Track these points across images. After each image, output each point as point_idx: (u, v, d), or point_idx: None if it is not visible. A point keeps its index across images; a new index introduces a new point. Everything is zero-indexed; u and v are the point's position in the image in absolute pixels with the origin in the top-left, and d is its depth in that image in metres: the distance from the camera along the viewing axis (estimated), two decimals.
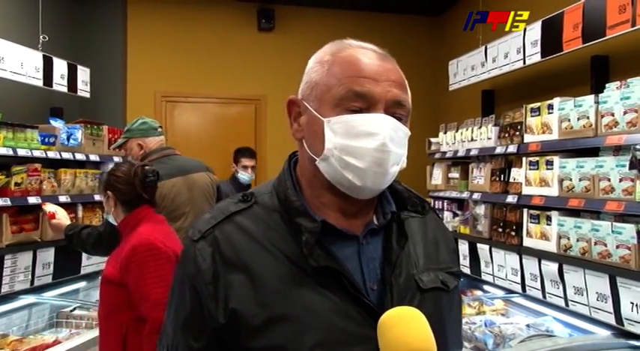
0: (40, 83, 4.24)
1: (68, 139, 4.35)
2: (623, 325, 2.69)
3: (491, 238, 3.84)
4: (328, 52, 1.10)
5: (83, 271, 4.37)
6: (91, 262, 4.42)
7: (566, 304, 3.07)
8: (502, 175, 3.76)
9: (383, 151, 1.01)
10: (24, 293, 3.78)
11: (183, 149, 3.73)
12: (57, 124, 4.46)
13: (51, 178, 4.03)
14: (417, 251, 1.13)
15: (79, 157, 4.33)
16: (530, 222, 3.38)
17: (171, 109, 6.01)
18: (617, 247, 2.69)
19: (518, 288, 3.55)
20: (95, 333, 3.30)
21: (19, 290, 3.71)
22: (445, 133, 4.68)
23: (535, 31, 3.73)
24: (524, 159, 3.47)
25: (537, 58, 3.75)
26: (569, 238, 3.02)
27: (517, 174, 3.59)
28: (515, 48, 4.00)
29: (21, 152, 3.68)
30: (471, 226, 4.12)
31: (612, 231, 2.73)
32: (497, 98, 5.11)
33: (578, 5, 3.28)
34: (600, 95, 2.90)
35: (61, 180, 4.11)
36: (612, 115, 2.77)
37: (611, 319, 2.76)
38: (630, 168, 2.61)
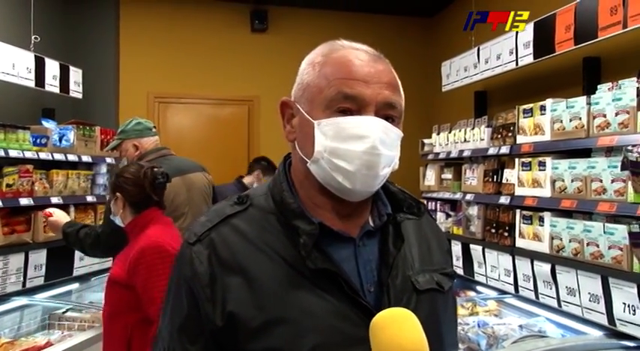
0: (32, 84, 4.22)
1: (60, 140, 4.34)
2: (615, 326, 2.70)
3: (484, 238, 3.85)
4: (320, 53, 1.10)
5: (76, 273, 4.35)
6: (83, 264, 4.40)
7: (559, 305, 3.08)
8: (495, 176, 3.77)
9: (373, 153, 1.01)
10: (16, 295, 3.76)
11: (176, 150, 3.72)
12: (49, 125, 4.44)
13: (43, 179, 4.01)
14: (413, 253, 1.13)
15: (71, 158, 4.31)
16: (523, 223, 3.39)
17: (164, 109, 5.99)
18: (610, 247, 2.70)
19: (511, 289, 3.56)
20: (88, 335, 3.31)
21: (10, 292, 3.69)
22: (438, 134, 4.69)
23: (527, 32, 3.74)
24: (516, 160, 3.49)
25: (530, 59, 3.77)
26: (561, 239, 3.03)
27: (510, 175, 3.60)
28: (508, 49, 4.02)
29: (12, 153, 3.66)
30: (464, 226, 4.12)
31: (604, 232, 2.74)
32: (490, 99, 5.13)
33: (570, 7, 3.30)
34: (592, 96, 2.91)
35: (53, 181, 4.10)
36: (604, 116, 2.79)
37: (603, 320, 2.77)
38: (622, 169, 2.62)
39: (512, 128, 3.58)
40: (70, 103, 5.20)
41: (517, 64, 3.94)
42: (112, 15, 5.82)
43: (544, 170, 3.23)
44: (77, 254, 4.34)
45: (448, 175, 4.52)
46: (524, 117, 3.43)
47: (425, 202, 4.74)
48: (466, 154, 4.13)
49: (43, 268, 3.94)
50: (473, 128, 4.11)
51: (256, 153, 6.13)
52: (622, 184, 2.67)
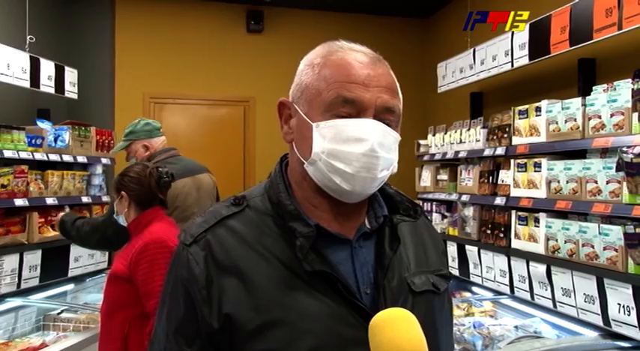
0: (27, 84, 4.21)
1: (55, 140, 4.33)
2: (610, 327, 2.71)
3: (480, 239, 3.86)
4: (319, 54, 1.09)
5: (71, 274, 4.35)
6: (78, 265, 4.39)
7: (554, 306, 3.09)
8: (490, 177, 3.78)
9: (371, 156, 1.01)
10: (10, 296, 3.75)
11: None
12: (44, 125, 4.43)
13: (38, 179, 4.00)
14: (409, 254, 1.13)
15: (67, 158, 4.30)
16: (519, 224, 3.40)
17: (160, 110, 5.98)
18: (605, 248, 2.71)
19: (506, 289, 3.57)
20: (83, 336, 3.30)
21: (5, 293, 3.68)
22: (434, 135, 4.69)
23: (523, 33, 3.75)
24: (512, 161, 3.49)
25: (525, 60, 3.78)
26: (557, 240, 3.04)
27: (505, 176, 3.61)
28: (504, 51, 4.03)
29: (7, 154, 3.66)
30: (459, 227, 4.13)
31: (599, 233, 2.75)
32: (486, 100, 5.14)
33: (566, 9, 3.31)
34: (587, 98, 2.92)
35: (49, 182, 4.09)
36: (599, 117, 2.80)
37: (598, 321, 2.78)
38: (617, 170, 2.63)
39: (507, 129, 3.59)
40: (65, 103, 5.19)
41: (513, 65, 3.94)
42: (107, 15, 5.80)
43: (539, 171, 3.23)
44: (72, 255, 4.33)
45: (444, 176, 4.52)
46: (520, 118, 3.44)
47: (421, 203, 4.75)
48: (462, 155, 4.14)
49: (38, 269, 3.93)
50: (469, 129, 4.12)
51: (252, 154, 6.13)
52: (617, 185, 2.68)
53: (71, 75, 4.85)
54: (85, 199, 4.50)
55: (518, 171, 3.42)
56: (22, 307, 3.86)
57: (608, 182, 2.73)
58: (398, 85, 1.09)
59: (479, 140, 3.95)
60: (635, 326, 2.56)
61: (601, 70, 3.64)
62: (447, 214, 4.44)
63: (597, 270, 2.76)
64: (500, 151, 3.63)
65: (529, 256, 3.29)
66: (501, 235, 3.58)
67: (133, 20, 5.89)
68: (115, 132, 5.19)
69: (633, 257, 2.55)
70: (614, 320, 2.68)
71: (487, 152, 3.78)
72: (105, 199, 4.79)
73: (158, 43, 5.96)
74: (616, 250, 2.65)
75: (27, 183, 3.81)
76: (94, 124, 4.83)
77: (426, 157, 4.80)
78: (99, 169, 4.80)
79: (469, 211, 4.00)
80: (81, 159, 4.46)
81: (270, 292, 0.99)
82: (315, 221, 1.05)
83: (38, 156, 3.99)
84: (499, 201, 3.58)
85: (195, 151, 5.69)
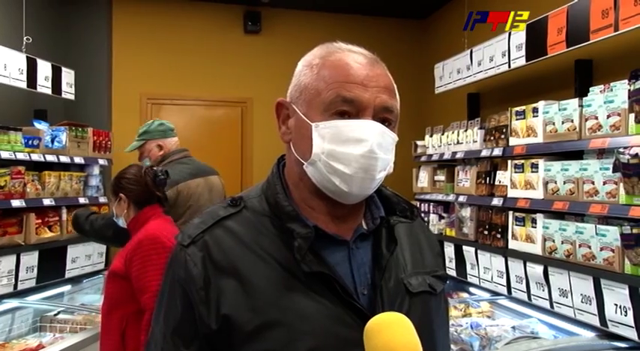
0: (23, 85, 4.20)
1: (52, 141, 4.32)
2: (607, 327, 2.72)
3: (477, 240, 3.86)
4: (318, 55, 1.09)
5: (68, 275, 4.34)
6: (75, 266, 4.39)
7: (551, 306, 3.10)
8: (488, 178, 3.78)
9: (370, 157, 1.01)
10: (7, 297, 3.75)
11: None
12: (41, 126, 4.42)
13: (35, 180, 3.99)
14: (405, 256, 1.14)
15: (64, 159, 4.29)
16: (516, 224, 3.40)
17: (157, 111, 5.97)
18: (601, 249, 2.71)
19: (503, 290, 3.57)
20: (80, 337, 3.29)
21: (2, 294, 3.67)
22: (431, 135, 4.70)
23: (520, 35, 3.76)
24: (509, 162, 3.50)
25: (522, 61, 3.78)
26: (554, 241, 3.04)
27: (502, 177, 3.61)
28: (501, 52, 4.03)
29: (4, 155, 3.65)
30: (456, 228, 4.13)
31: (596, 233, 2.76)
32: (483, 101, 5.14)
33: (562, 10, 3.31)
34: (584, 99, 2.93)
35: (45, 183, 4.08)
36: (596, 118, 2.80)
37: (595, 321, 2.78)
38: (614, 171, 2.64)
39: (504, 130, 3.60)
40: (62, 104, 5.18)
41: (510, 66, 3.95)
42: (104, 16, 5.79)
43: (536, 172, 3.24)
44: (69, 256, 4.33)
45: (441, 176, 4.53)
46: (517, 119, 3.45)
47: (418, 203, 4.75)
48: (459, 155, 4.14)
49: (35, 270, 3.93)
50: (466, 130, 4.12)
51: (249, 155, 6.13)
52: (614, 186, 2.68)
53: (68, 76, 4.84)
54: (82, 200, 4.49)
55: (516, 172, 3.42)
56: (19, 309, 3.85)
57: (604, 183, 2.74)
58: (395, 86, 1.09)
59: (476, 141, 3.95)
60: (632, 327, 2.56)
61: (598, 71, 3.65)
62: (444, 214, 4.45)
63: (594, 270, 2.77)
64: (497, 151, 3.64)
65: (526, 257, 3.29)
66: (498, 235, 3.58)
67: (130, 21, 5.88)
68: (112, 133, 5.19)
69: (630, 258, 2.56)
70: (611, 321, 2.68)
71: (484, 153, 3.79)
72: (102, 199, 4.79)
73: (155, 43, 5.95)
74: (613, 251, 2.66)
75: (24, 184, 3.81)
76: (91, 125, 4.82)
77: (423, 158, 4.81)
78: (96, 170, 4.80)
79: (466, 212, 4.01)
80: (78, 160, 4.46)
81: (268, 293, 0.99)
82: (312, 222, 1.05)
83: (35, 157, 3.99)
84: (496, 202, 3.58)
85: (192, 152, 5.68)
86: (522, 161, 3.37)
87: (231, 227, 1.06)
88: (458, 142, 4.20)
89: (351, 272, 1.06)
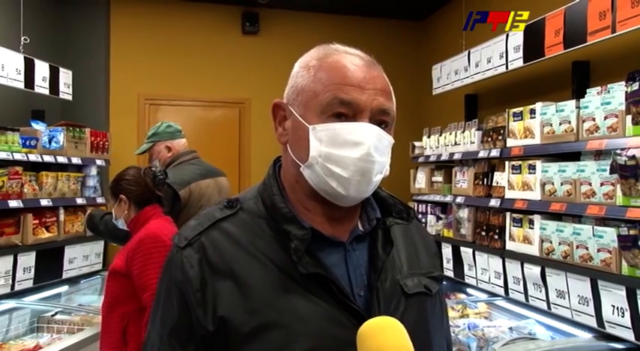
0: (21, 85, 4.20)
1: (50, 141, 4.31)
2: (604, 328, 2.72)
3: (475, 241, 3.87)
4: (315, 56, 1.09)
5: (65, 276, 4.34)
6: (73, 267, 4.38)
7: (549, 307, 3.10)
8: (485, 179, 3.79)
9: (367, 160, 1.02)
10: (4, 298, 3.74)
11: None
12: (38, 126, 4.42)
13: (32, 181, 3.99)
14: (401, 257, 1.14)
15: (61, 160, 4.29)
16: (513, 225, 3.41)
17: (155, 111, 5.97)
18: (599, 250, 2.72)
19: (501, 291, 3.58)
20: (77, 338, 3.29)
21: None
22: (429, 137, 4.70)
23: (517, 36, 3.77)
24: (506, 163, 3.50)
25: (520, 63, 3.79)
26: (551, 242, 3.05)
27: (500, 178, 3.62)
28: (498, 53, 4.04)
29: (1, 155, 3.65)
30: (454, 229, 4.14)
31: (593, 235, 2.76)
32: (481, 103, 5.15)
33: (560, 11, 3.32)
34: (581, 100, 2.93)
35: (43, 183, 4.08)
36: (593, 120, 2.81)
37: (592, 322, 2.79)
38: (611, 172, 2.64)
39: (502, 131, 3.60)
40: (59, 104, 5.17)
41: (507, 67, 3.96)
42: (102, 16, 5.78)
43: (534, 173, 3.25)
44: (66, 257, 4.33)
45: (439, 177, 4.53)
46: (514, 120, 3.45)
47: (415, 204, 4.76)
48: (457, 156, 4.15)
49: (32, 270, 3.92)
50: (463, 131, 4.13)
51: (247, 155, 6.12)
52: (611, 187, 2.69)
53: (66, 76, 4.84)
54: (79, 201, 4.49)
55: (513, 173, 3.43)
56: (16, 309, 3.85)
57: (602, 184, 2.74)
58: (391, 88, 1.10)
59: (473, 142, 3.95)
60: (629, 328, 2.57)
61: (595, 72, 3.66)
62: (441, 215, 4.45)
63: (591, 272, 2.78)
64: (494, 153, 3.64)
65: (523, 258, 3.30)
66: (496, 236, 3.59)
67: (128, 21, 5.87)
68: (110, 133, 5.19)
69: (627, 259, 2.56)
70: (608, 322, 2.69)
71: (482, 154, 3.79)
72: (99, 200, 4.79)
73: (153, 44, 5.94)
74: (610, 252, 2.66)
75: (21, 184, 3.80)
76: (88, 126, 4.82)
77: (420, 159, 4.81)
78: (93, 171, 4.79)
79: (464, 213, 4.01)
80: (75, 160, 4.45)
81: (264, 295, 0.99)
82: (309, 224, 1.05)
83: (32, 157, 3.98)
84: (494, 203, 3.59)
85: None
86: (520, 162, 3.38)
87: (228, 229, 1.06)
88: (455, 143, 4.20)
89: (347, 273, 1.06)
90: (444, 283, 3.95)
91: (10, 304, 3.79)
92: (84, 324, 3.63)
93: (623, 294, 2.58)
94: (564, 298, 2.97)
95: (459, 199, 4.05)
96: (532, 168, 3.27)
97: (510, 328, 3.29)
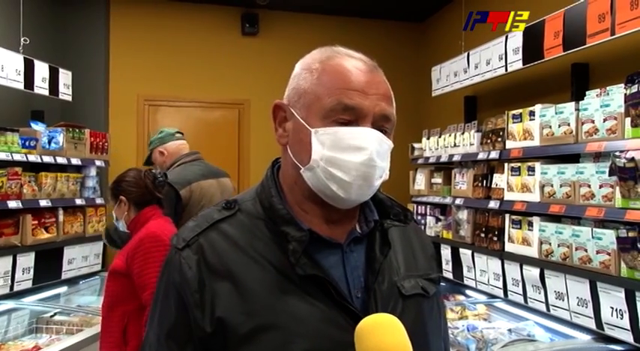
0: (21, 86, 4.20)
1: (49, 142, 4.31)
2: (603, 330, 2.72)
3: (474, 243, 3.87)
4: (317, 59, 1.09)
5: (64, 276, 4.33)
6: (72, 267, 4.38)
7: (548, 309, 3.10)
8: (484, 181, 3.79)
9: (369, 165, 1.02)
10: (3, 299, 3.74)
11: None
12: (38, 127, 4.42)
13: (32, 181, 3.98)
14: (398, 259, 1.14)
15: (61, 160, 4.29)
16: (512, 227, 3.41)
17: (154, 112, 5.97)
18: (598, 252, 2.72)
19: (500, 293, 3.58)
20: (76, 339, 3.29)
21: None
22: (428, 138, 4.70)
23: (517, 38, 3.77)
24: (506, 165, 3.51)
25: (519, 65, 3.79)
26: (550, 244, 3.05)
27: (499, 180, 3.62)
28: (498, 55, 4.04)
29: (1, 156, 3.65)
30: (453, 231, 4.14)
31: (592, 236, 2.76)
32: (480, 104, 5.15)
33: (559, 14, 3.32)
34: (581, 102, 2.94)
35: (42, 184, 4.07)
36: (592, 122, 2.81)
37: (591, 324, 2.79)
38: (610, 174, 2.64)
39: (501, 133, 3.60)
40: (59, 105, 5.17)
41: (506, 69, 3.96)
42: (102, 17, 5.79)
43: (533, 175, 3.25)
44: (65, 257, 4.33)
45: (438, 179, 4.53)
46: (514, 122, 3.46)
47: (415, 206, 4.76)
48: (456, 158, 4.15)
49: (31, 271, 3.92)
50: (463, 133, 4.13)
51: (246, 157, 6.12)
52: (610, 190, 2.69)
53: (65, 77, 4.84)
54: (78, 202, 4.49)
55: (512, 175, 3.43)
56: (15, 310, 3.84)
57: (601, 186, 2.74)
58: (392, 93, 1.10)
59: (473, 144, 3.96)
60: (628, 330, 2.57)
61: (594, 74, 3.66)
62: (441, 217, 4.45)
63: (590, 273, 2.78)
64: (494, 154, 3.65)
65: (522, 260, 3.30)
66: (495, 238, 3.59)
67: (128, 22, 5.87)
68: (109, 134, 5.19)
69: (626, 261, 2.56)
70: (607, 324, 2.69)
71: (481, 156, 3.80)
72: (99, 201, 4.79)
73: (153, 45, 5.94)
74: (609, 254, 2.67)
75: (20, 185, 3.80)
76: (88, 126, 4.82)
77: (420, 161, 4.81)
78: (93, 171, 4.79)
79: (463, 215, 4.01)
80: (75, 161, 4.45)
81: (262, 296, 1.00)
82: (307, 226, 1.05)
83: (32, 158, 3.98)
84: (493, 204, 3.59)
85: None
86: (519, 164, 3.38)
87: (226, 230, 1.06)
88: (455, 145, 4.21)
89: (345, 275, 1.06)
90: (443, 284, 3.95)
91: (9, 304, 3.79)
92: (83, 325, 3.63)
93: (622, 296, 2.59)
94: (563, 300, 2.97)
95: (458, 201, 4.06)
96: (531, 170, 3.27)
97: (509, 330, 3.29)
